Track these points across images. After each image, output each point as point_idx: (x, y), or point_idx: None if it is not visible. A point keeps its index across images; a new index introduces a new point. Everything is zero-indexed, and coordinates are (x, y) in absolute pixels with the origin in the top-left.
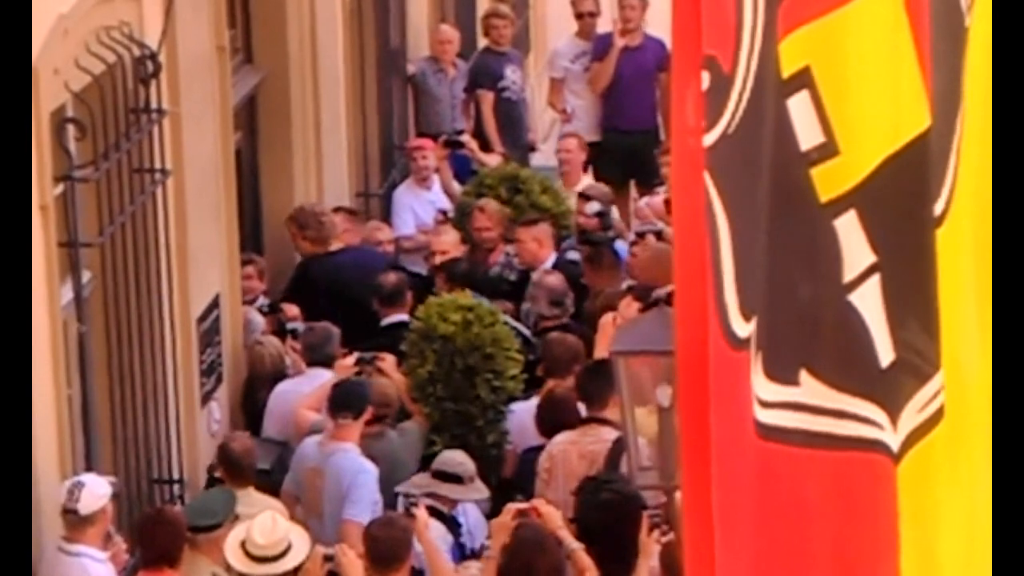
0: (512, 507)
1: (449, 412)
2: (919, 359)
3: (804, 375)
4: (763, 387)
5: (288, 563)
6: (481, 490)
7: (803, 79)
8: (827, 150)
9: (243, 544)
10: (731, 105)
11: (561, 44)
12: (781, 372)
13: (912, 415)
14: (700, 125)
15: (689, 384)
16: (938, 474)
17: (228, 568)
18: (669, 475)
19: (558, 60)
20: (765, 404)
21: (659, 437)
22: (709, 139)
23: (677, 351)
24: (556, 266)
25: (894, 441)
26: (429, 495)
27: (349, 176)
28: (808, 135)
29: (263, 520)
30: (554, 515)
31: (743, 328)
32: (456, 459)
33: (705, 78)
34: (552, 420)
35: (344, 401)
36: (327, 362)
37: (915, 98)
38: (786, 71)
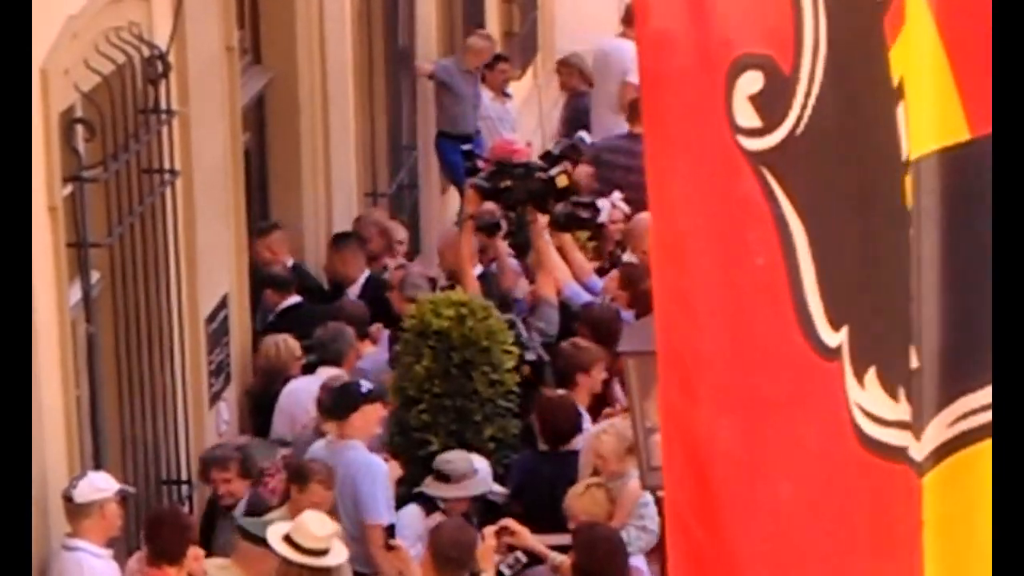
0: (490, 530)
1: (447, 409)
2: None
3: (901, 392)
4: (870, 400)
5: (331, 559)
6: (471, 488)
7: (902, 89)
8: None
9: (287, 537)
10: (796, 106)
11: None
12: (891, 386)
13: (942, 428)
14: (755, 125)
15: (672, 386)
16: (982, 487)
17: None
18: None
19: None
20: (877, 420)
21: None
22: (772, 140)
23: (659, 352)
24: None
25: (917, 451)
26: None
27: (357, 176)
28: (905, 145)
29: (312, 516)
30: (525, 532)
31: (832, 337)
32: (447, 458)
33: (758, 78)
34: (555, 425)
35: (335, 406)
36: (337, 360)
37: (947, 109)
38: (895, 77)
